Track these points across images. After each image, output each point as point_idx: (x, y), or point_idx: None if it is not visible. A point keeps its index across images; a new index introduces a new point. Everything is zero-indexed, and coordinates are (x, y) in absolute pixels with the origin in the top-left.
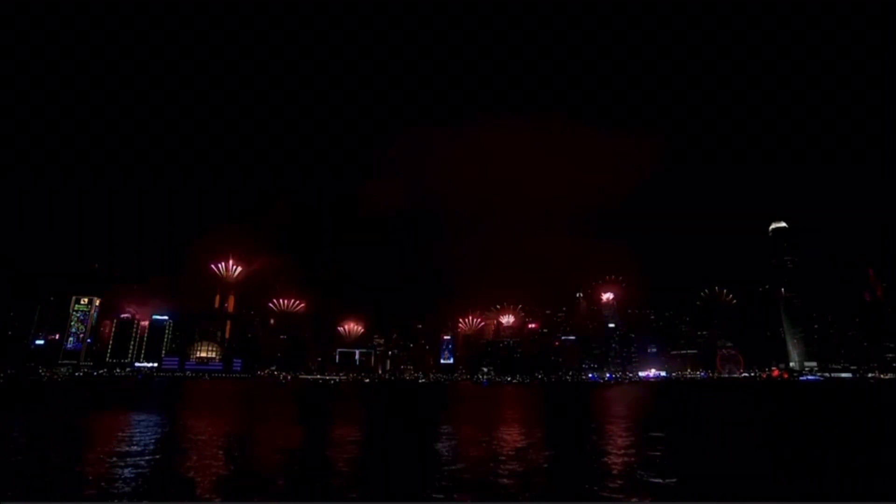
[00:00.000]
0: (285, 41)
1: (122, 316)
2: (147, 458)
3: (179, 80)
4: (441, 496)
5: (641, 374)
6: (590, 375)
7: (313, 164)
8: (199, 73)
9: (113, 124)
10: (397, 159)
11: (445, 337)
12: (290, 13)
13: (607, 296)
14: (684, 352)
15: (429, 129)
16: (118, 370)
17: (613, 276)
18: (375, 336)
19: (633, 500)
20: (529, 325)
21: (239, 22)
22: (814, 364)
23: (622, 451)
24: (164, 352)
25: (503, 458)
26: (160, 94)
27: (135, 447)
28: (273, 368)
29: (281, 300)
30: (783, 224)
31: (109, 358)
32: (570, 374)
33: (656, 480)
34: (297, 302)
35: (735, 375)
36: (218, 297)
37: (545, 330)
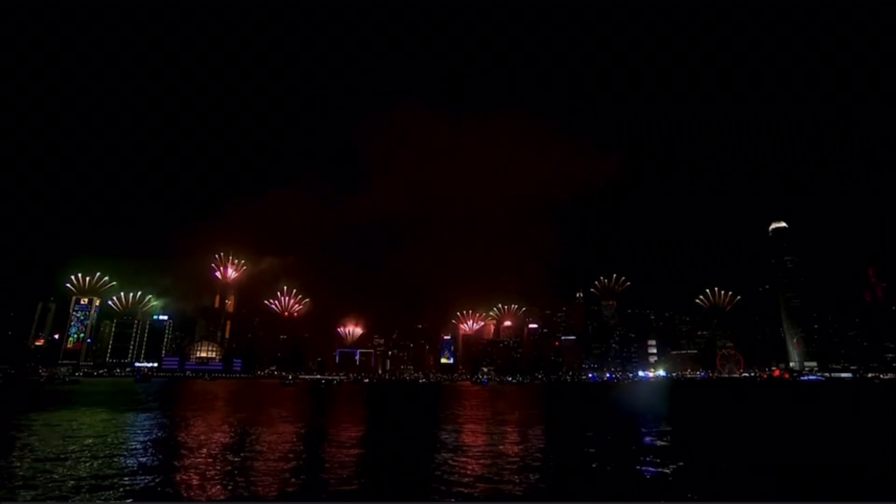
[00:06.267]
0: (284, 34)
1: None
2: (146, 458)
3: (179, 75)
4: (443, 496)
5: (641, 373)
6: (590, 375)
7: (314, 164)
8: (199, 68)
9: (110, 120)
10: (398, 159)
11: (445, 337)
12: (290, 7)
13: (607, 296)
14: (684, 352)
15: (429, 129)
16: (118, 370)
17: (613, 277)
18: (375, 336)
19: (633, 500)
20: (529, 325)
21: (238, 15)
22: (814, 364)
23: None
24: (164, 352)
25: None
26: (160, 91)
27: (133, 448)
28: (273, 368)
29: (281, 300)
30: (783, 224)
31: (109, 358)
32: (570, 374)
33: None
34: (298, 302)
35: (735, 375)
36: (218, 297)
37: (545, 330)
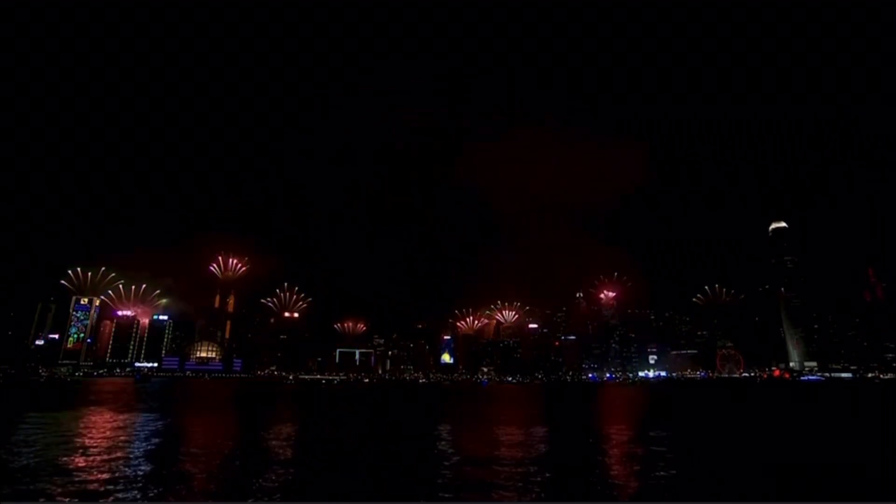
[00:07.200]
0: (284, 34)
1: (122, 314)
2: (146, 458)
3: (179, 75)
4: (443, 496)
5: (641, 374)
6: (590, 375)
7: (313, 164)
8: (199, 70)
9: (111, 120)
10: (397, 159)
11: (445, 337)
12: (289, 9)
13: (607, 296)
14: (684, 352)
15: (429, 128)
16: (118, 370)
17: (613, 277)
18: (375, 336)
19: (633, 500)
20: (529, 325)
21: (238, 16)
22: (814, 364)
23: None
24: (164, 352)
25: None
26: (160, 91)
27: (133, 447)
28: (273, 368)
29: (281, 298)
30: (783, 224)
31: (109, 358)
32: (570, 374)
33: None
34: (298, 301)
35: (735, 375)
36: (218, 297)
37: (545, 330)
